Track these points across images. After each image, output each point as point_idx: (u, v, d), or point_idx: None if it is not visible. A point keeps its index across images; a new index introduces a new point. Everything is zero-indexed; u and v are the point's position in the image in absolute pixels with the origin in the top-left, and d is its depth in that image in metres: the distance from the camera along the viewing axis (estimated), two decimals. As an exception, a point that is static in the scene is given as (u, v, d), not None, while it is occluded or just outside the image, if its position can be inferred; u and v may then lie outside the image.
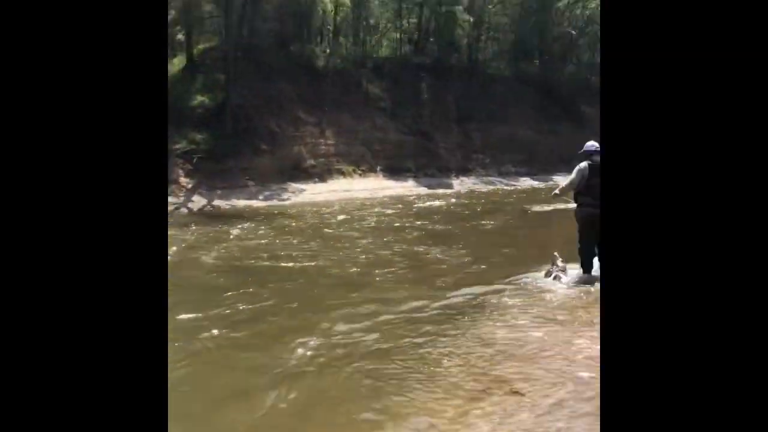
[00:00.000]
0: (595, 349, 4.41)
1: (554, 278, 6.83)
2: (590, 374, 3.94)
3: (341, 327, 5.49)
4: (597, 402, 3.34)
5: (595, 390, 3.72)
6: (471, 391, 3.83)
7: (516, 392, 3.74)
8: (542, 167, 30.71)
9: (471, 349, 4.58)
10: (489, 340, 4.77)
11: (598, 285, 6.35)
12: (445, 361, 4.43)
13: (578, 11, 38.96)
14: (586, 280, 6.64)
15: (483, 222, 14.01)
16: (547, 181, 28.81)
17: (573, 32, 38.65)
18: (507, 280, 7.13)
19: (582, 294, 6.20)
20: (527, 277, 7.12)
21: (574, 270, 6.95)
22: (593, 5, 38.73)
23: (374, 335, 5.22)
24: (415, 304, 6.22)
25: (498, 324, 5.26)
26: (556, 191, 7.33)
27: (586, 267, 6.80)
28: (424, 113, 28.89)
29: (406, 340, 5.04)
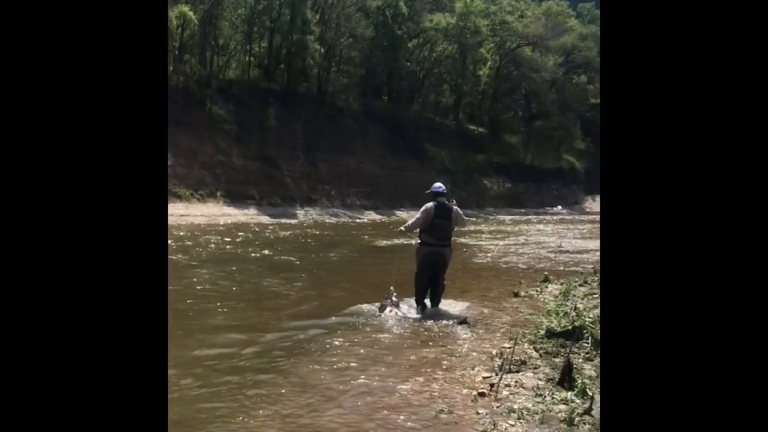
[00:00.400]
0: (420, 396, 4.12)
1: (388, 311, 6.79)
2: (412, 424, 3.63)
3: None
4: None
5: (417, 443, 3.41)
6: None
7: (331, 448, 3.33)
8: (386, 202, 31.24)
9: (288, 396, 4.11)
10: (309, 385, 4.33)
11: (429, 322, 6.32)
12: (261, 411, 3.92)
13: (425, 53, 40.67)
14: (418, 312, 6.96)
15: (326, 254, 13.64)
16: (390, 216, 29.26)
17: (420, 73, 40.23)
18: (342, 314, 6.77)
19: (412, 333, 5.98)
20: (362, 312, 6.84)
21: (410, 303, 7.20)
22: (439, 48, 40.67)
23: (187, 379, 4.57)
24: (240, 339, 5.65)
25: (323, 366, 4.84)
26: (402, 228, 7.53)
27: (419, 296, 7.10)
28: (271, 139, 28.32)
29: (224, 380, 4.47)
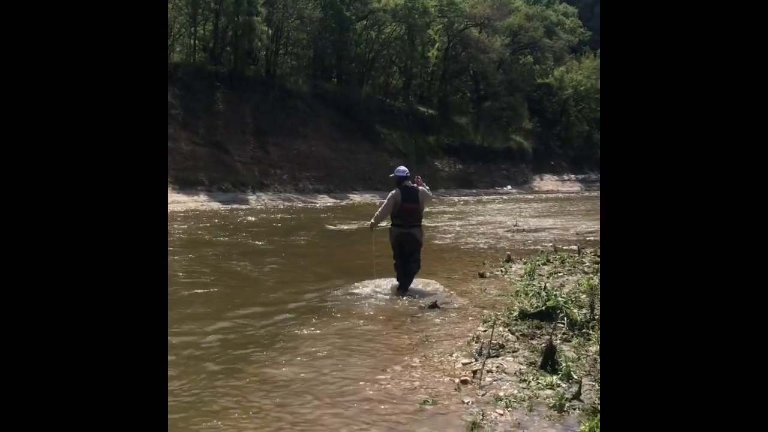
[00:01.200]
0: (401, 386, 3.94)
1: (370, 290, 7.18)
2: (397, 417, 3.45)
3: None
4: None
5: (411, 429, 3.24)
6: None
7: (315, 448, 3.12)
8: (339, 185, 30.90)
9: (261, 390, 3.87)
10: (283, 379, 4.10)
11: (400, 307, 6.17)
12: (231, 408, 3.67)
13: (374, 34, 40.24)
14: (397, 290, 7.09)
15: (289, 239, 13.30)
16: (344, 199, 28.96)
17: (369, 54, 39.81)
18: (312, 300, 6.57)
19: (385, 320, 5.80)
20: (333, 297, 6.69)
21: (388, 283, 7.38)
22: (388, 29, 40.31)
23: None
24: (212, 327, 5.36)
25: (296, 357, 4.61)
26: (372, 222, 7.57)
27: (400, 280, 7.21)
28: (219, 124, 27.57)
29: (197, 370, 4.19)
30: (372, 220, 7.56)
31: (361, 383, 4.01)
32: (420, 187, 7.23)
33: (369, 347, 4.88)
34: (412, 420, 3.41)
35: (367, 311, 6.19)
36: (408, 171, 7.36)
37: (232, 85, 29.36)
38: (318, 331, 5.37)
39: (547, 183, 49.02)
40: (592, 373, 4.05)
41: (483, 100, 48.46)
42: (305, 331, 5.37)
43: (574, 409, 3.52)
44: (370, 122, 36.71)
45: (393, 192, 7.23)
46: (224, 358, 4.64)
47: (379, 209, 7.44)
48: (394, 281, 7.29)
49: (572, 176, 51.84)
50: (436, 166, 39.86)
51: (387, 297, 6.86)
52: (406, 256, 7.16)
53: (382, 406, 3.60)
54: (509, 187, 44.05)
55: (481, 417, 3.41)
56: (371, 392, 3.84)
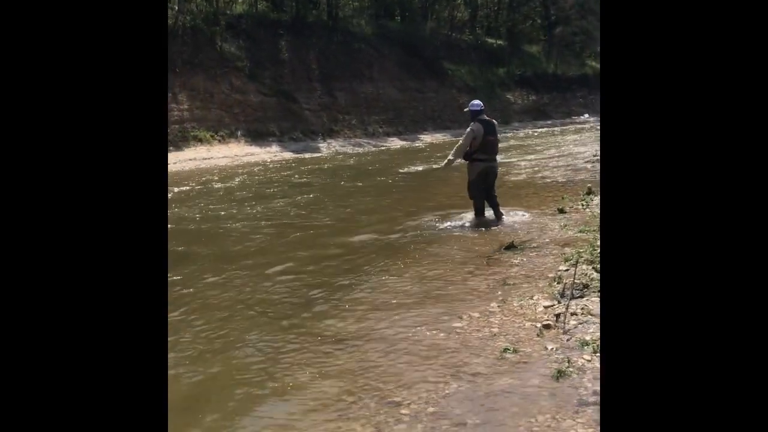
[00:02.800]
0: (479, 333, 3.76)
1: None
2: (477, 368, 3.28)
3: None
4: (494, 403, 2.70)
5: (492, 379, 3.06)
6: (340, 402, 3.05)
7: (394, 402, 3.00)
8: (409, 126, 30.47)
9: (339, 339, 3.78)
10: (355, 328, 4.00)
11: (475, 248, 5.96)
12: (308, 365, 3.61)
13: (436, -33, 38.76)
14: (479, 223, 7.30)
15: (362, 181, 13.22)
16: (414, 141, 28.58)
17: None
18: (392, 238, 6.46)
19: (459, 262, 5.60)
20: (413, 234, 7.00)
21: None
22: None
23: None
24: (293, 269, 5.34)
25: (369, 305, 4.50)
26: (451, 159, 7.68)
27: (480, 212, 7.43)
28: (285, 73, 27.48)
29: (264, 328, 4.17)
30: (450, 157, 7.65)
31: (437, 332, 3.85)
32: (494, 121, 7.51)
33: (445, 292, 4.71)
34: (492, 370, 3.23)
35: (444, 252, 6.01)
36: (483, 105, 7.48)
37: (296, 33, 29.07)
38: (394, 276, 5.24)
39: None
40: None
41: (554, 26, 46.17)
42: (382, 277, 5.26)
43: (670, 353, 3.24)
44: (436, 59, 35.71)
45: (472, 126, 7.34)
46: (298, 305, 4.58)
47: (456, 146, 7.53)
48: (470, 216, 7.53)
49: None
50: (507, 99, 38.58)
51: (465, 235, 6.81)
52: (489, 188, 7.40)
53: (461, 356, 3.44)
54: (587, 115, 42.23)
55: (567, 364, 3.19)
56: (449, 342, 3.68)
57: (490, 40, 42.54)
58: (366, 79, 30.58)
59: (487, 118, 7.40)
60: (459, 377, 3.18)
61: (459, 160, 7.62)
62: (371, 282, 5.15)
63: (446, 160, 7.83)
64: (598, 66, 47.42)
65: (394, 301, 4.57)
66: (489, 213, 7.54)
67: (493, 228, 7.03)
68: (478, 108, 7.38)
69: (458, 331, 3.84)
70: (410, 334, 3.86)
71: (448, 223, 7.52)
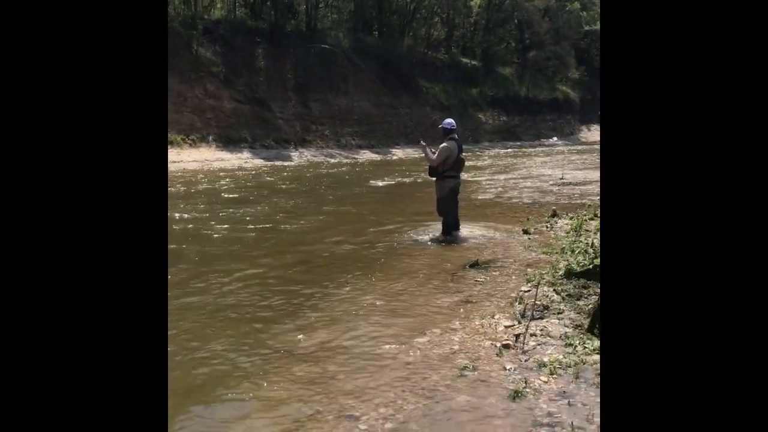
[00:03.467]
0: (440, 350, 3.80)
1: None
2: (436, 385, 3.31)
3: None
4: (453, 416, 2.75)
5: (450, 396, 3.10)
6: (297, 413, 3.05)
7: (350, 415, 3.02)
8: (382, 140, 30.64)
9: (296, 351, 3.79)
10: (316, 342, 4.01)
11: (439, 265, 6.02)
12: (267, 376, 3.60)
13: (415, -16, 39.21)
14: (446, 239, 7.43)
15: (332, 194, 13.25)
16: (386, 155, 28.73)
17: (411, 5, 38.87)
18: (356, 252, 6.46)
19: (423, 279, 5.65)
20: (379, 249, 6.77)
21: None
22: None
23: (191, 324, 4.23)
24: (249, 290, 5.32)
25: (331, 317, 4.52)
26: (431, 164, 7.71)
27: (448, 230, 7.53)
28: (261, 81, 27.46)
29: (221, 337, 4.15)
30: (430, 164, 7.68)
31: (398, 347, 3.88)
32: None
33: (408, 308, 4.74)
34: (451, 387, 3.27)
35: (410, 267, 6.08)
36: (455, 124, 7.74)
37: (273, 41, 29.11)
38: (359, 289, 5.27)
39: (595, 134, 47.65)
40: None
41: (528, 50, 47.02)
42: (344, 289, 5.28)
43: (624, 377, 3.32)
44: (411, 75, 36.07)
45: (446, 143, 7.51)
46: (259, 314, 4.57)
47: (435, 156, 7.56)
48: (438, 231, 7.67)
49: (621, 127, 50.15)
50: (479, 118, 39.13)
51: (431, 250, 6.92)
52: (458, 204, 7.71)
53: (420, 373, 3.47)
54: (555, 138, 43.00)
55: (523, 384, 3.25)
56: (409, 357, 3.71)
57: (464, 60, 43.11)
58: (341, 91, 30.72)
59: (456, 137, 7.66)
60: (418, 393, 3.21)
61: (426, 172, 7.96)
62: (336, 293, 5.17)
63: (429, 163, 7.78)
64: (569, 91, 48.46)
65: (358, 314, 4.59)
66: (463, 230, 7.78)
67: (458, 245, 7.16)
68: (449, 126, 7.59)
69: (420, 347, 3.87)
70: (372, 348, 3.88)
71: (417, 237, 7.69)
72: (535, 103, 44.46)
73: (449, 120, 7.81)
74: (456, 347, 3.85)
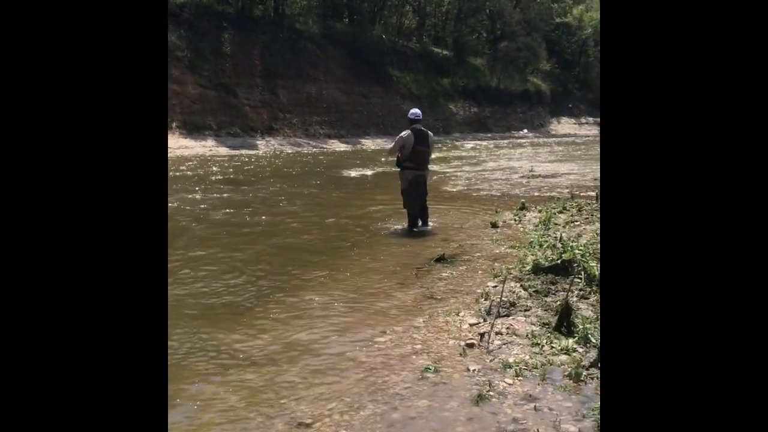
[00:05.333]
0: (401, 349, 3.61)
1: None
2: (395, 388, 3.11)
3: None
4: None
5: (410, 401, 2.90)
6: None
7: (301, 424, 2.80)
8: (351, 130, 30.31)
9: (251, 347, 3.55)
10: (271, 340, 3.77)
11: (404, 260, 5.82)
12: (211, 383, 3.36)
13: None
14: (411, 232, 7.38)
15: (300, 185, 12.94)
16: (356, 145, 28.43)
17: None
18: (321, 246, 6.22)
19: (388, 273, 5.45)
20: (342, 244, 6.40)
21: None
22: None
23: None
24: (209, 278, 5.05)
25: (289, 315, 4.29)
26: (389, 153, 8.14)
27: (412, 222, 7.50)
28: (227, 66, 26.87)
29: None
30: (389, 153, 8.06)
31: (358, 347, 3.68)
32: (430, 132, 7.60)
33: (370, 304, 4.54)
34: (411, 391, 3.07)
35: (374, 261, 5.88)
36: (421, 114, 7.65)
37: (240, 26, 28.49)
38: (318, 285, 5.05)
39: (565, 126, 47.98)
40: (611, 336, 3.68)
41: (499, 41, 46.94)
42: (305, 283, 5.05)
43: (593, 379, 3.16)
44: (382, 64, 35.71)
45: (403, 133, 7.49)
46: (211, 313, 4.32)
47: (390, 144, 7.90)
48: (402, 226, 7.57)
49: (590, 119, 50.62)
50: (450, 109, 38.99)
51: (397, 243, 6.74)
52: (422, 196, 7.51)
53: (380, 375, 3.27)
54: (525, 131, 43.12)
55: (488, 387, 3.07)
56: (368, 358, 3.50)
57: (436, 50, 42.90)
58: (310, 79, 30.27)
59: (422, 128, 7.48)
60: (376, 398, 3.00)
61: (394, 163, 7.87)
62: (296, 288, 4.94)
63: (389, 150, 8.11)
64: (540, 83, 48.63)
65: (318, 311, 4.37)
66: (431, 223, 7.66)
67: (424, 238, 6.99)
68: (413, 116, 7.52)
69: (380, 346, 3.68)
70: (329, 348, 3.67)
71: (383, 230, 7.52)
72: (506, 94, 44.48)
73: (415, 110, 7.74)
74: (418, 347, 3.65)
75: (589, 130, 48.22)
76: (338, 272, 5.45)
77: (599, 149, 1.85)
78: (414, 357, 3.50)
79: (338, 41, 33.59)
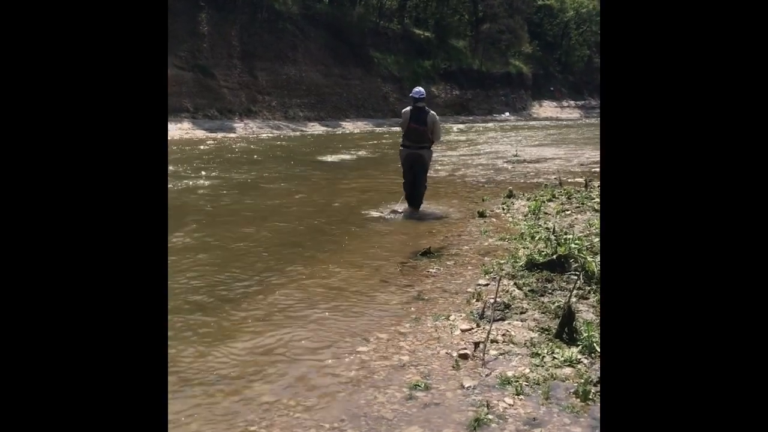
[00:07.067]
0: (386, 362, 3.23)
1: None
2: (379, 410, 2.74)
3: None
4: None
5: (398, 427, 2.54)
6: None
7: (274, 457, 2.42)
8: (331, 112, 29.77)
9: (216, 360, 3.16)
10: (238, 351, 3.38)
11: (388, 257, 5.44)
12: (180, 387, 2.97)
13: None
14: (411, 214, 7.30)
15: (281, 169, 12.46)
16: (336, 128, 27.91)
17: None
18: (302, 236, 5.82)
19: (371, 270, 5.07)
20: (324, 232, 6.01)
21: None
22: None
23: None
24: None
25: (264, 318, 3.90)
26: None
27: (411, 201, 7.46)
28: (204, 47, 26.12)
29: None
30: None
31: (338, 359, 3.29)
32: (432, 112, 7.40)
33: (351, 306, 4.15)
34: (399, 414, 2.70)
35: (357, 254, 5.48)
36: (423, 93, 7.41)
37: (217, 6, 27.70)
38: (295, 283, 4.65)
39: (546, 109, 47.76)
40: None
41: (481, 23, 46.44)
42: (281, 281, 4.65)
43: (601, 397, 2.82)
44: (363, 46, 35.08)
45: (404, 109, 7.51)
46: (176, 315, 3.90)
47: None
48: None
49: (572, 102, 50.51)
50: (432, 91, 38.46)
51: (382, 232, 6.43)
52: (416, 177, 7.39)
53: (363, 393, 2.89)
54: (507, 113, 42.82)
55: (485, 409, 2.71)
56: (350, 372, 3.12)
57: (417, 31, 42.30)
58: (290, 60, 29.63)
59: (422, 107, 7.31)
60: (359, 424, 2.63)
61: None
62: (271, 287, 4.54)
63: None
64: (522, 65, 48.29)
65: (294, 314, 3.98)
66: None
67: (408, 229, 6.62)
68: (414, 95, 7.34)
69: (363, 357, 3.30)
70: (305, 360, 3.29)
71: (367, 219, 7.19)
72: (488, 77, 44.06)
73: (417, 88, 7.53)
74: (405, 358, 3.28)
75: (570, 113, 48.10)
76: (317, 268, 5.06)
77: (599, 149, 1.81)
78: (401, 371, 3.13)
79: (318, 22, 32.88)
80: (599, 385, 2.90)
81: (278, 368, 3.18)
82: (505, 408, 2.74)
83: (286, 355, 3.35)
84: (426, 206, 7.69)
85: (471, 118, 38.19)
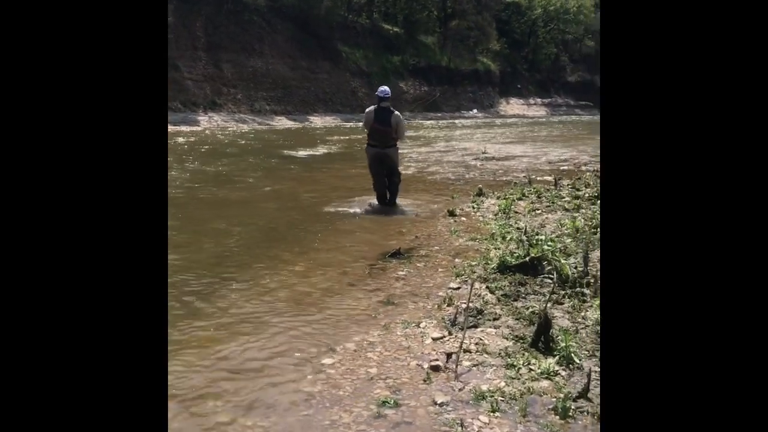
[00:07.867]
0: (353, 375, 3.01)
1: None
2: (357, 428, 2.53)
3: None
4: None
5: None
6: None
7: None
8: (298, 106, 29.36)
9: (173, 373, 2.90)
10: (196, 362, 3.12)
11: (358, 258, 5.21)
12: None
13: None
14: (381, 210, 7.33)
15: (247, 164, 12.11)
16: (303, 122, 27.54)
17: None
18: (266, 235, 5.55)
19: (338, 273, 4.84)
20: (289, 232, 5.76)
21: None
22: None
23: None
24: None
25: (220, 327, 3.64)
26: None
27: (383, 200, 7.47)
28: (169, 39, 25.47)
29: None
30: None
31: (301, 372, 3.06)
32: (396, 112, 7.30)
33: (316, 312, 3.92)
34: (366, 436, 2.49)
35: (320, 257, 5.24)
36: (388, 92, 7.39)
37: (182, -4, 27.05)
38: (257, 287, 4.39)
39: (513, 107, 48.00)
40: (597, 354, 3.19)
41: (450, 19, 46.42)
42: (242, 285, 4.39)
43: (583, 413, 2.65)
44: (331, 40, 34.71)
45: (367, 109, 7.49)
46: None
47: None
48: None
49: (538, 100, 50.85)
50: (400, 87, 38.31)
51: (346, 236, 6.07)
52: (387, 174, 7.40)
53: (328, 413, 2.67)
54: (475, 110, 42.88)
55: (459, 428, 2.51)
56: (314, 387, 2.89)
57: (386, 26, 42.07)
58: (256, 53, 29.12)
59: (386, 107, 7.23)
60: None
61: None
62: (230, 291, 4.27)
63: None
64: (490, 63, 48.42)
65: (255, 322, 3.73)
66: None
67: (377, 228, 6.43)
68: (379, 94, 7.32)
69: (328, 371, 3.07)
70: (268, 374, 3.04)
71: (334, 217, 6.99)
72: (456, 74, 44.06)
73: (383, 87, 7.54)
74: (373, 370, 3.07)
75: (537, 111, 48.41)
76: (280, 270, 4.81)
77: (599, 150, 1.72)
78: (369, 385, 2.91)
79: (285, 14, 32.39)
80: (581, 399, 2.74)
81: (235, 384, 2.94)
82: (480, 427, 2.55)
83: (245, 369, 3.10)
84: (396, 203, 7.52)
85: (440, 114, 38.11)
